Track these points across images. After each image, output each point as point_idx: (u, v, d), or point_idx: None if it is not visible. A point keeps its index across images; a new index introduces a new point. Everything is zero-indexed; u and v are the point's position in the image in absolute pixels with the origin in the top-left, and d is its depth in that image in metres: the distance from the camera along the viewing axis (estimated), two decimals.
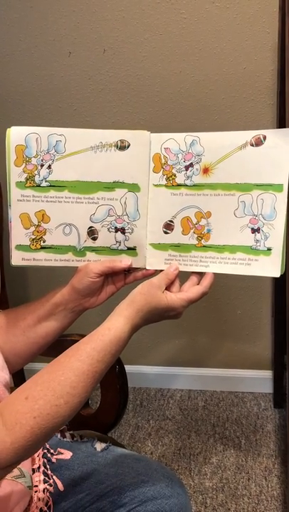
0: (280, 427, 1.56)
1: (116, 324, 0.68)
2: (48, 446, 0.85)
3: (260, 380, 1.70)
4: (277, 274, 0.74)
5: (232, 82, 1.43)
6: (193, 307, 1.79)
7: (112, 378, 0.98)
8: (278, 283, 1.53)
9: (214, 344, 1.70)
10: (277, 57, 1.37)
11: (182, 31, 1.41)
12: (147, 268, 0.80)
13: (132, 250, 0.80)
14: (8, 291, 1.17)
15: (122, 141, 0.78)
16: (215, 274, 0.78)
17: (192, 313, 1.66)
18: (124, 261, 0.79)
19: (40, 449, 0.84)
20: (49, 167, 0.77)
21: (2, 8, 1.45)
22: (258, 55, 1.40)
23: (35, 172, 0.77)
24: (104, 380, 0.98)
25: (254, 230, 0.75)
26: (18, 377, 1.19)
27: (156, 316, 0.73)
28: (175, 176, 0.78)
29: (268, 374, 1.69)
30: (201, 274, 0.78)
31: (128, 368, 1.01)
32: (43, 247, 0.79)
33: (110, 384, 0.98)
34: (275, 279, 1.55)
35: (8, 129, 0.76)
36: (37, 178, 0.77)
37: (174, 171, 0.78)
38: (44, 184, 0.77)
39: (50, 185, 0.77)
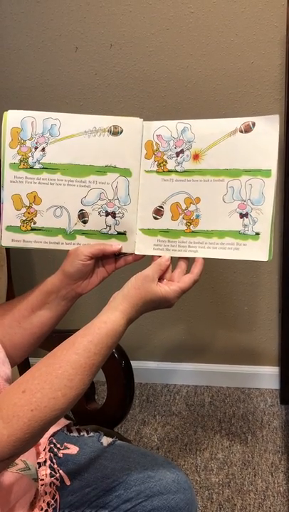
0: (287, 423, 1.56)
1: (112, 318, 0.69)
2: (54, 440, 0.86)
3: (266, 376, 1.70)
4: (265, 259, 0.75)
5: (239, 76, 1.42)
6: (200, 303, 1.78)
7: (118, 374, 0.98)
8: (285, 279, 1.53)
9: (221, 340, 1.69)
10: (285, 52, 1.36)
11: (189, 26, 1.40)
12: (136, 253, 0.80)
13: (121, 235, 0.80)
14: (15, 289, 1.18)
15: (115, 126, 0.79)
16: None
17: (198, 310, 1.66)
18: (114, 245, 0.79)
19: (47, 444, 0.85)
20: (43, 150, 0.79)
21: (8, 3, 1.45)
22: (265, 49, 1.39)
23: (29, 154, 0.79)
24: (111, 375, 0.99)
25: (242, 215, 0.76)
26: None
27: (150, 308, 0.74)
28: (166, 162, 0.79)
29: (274, 370, 1.69)
30: (188, 259, 0.79)
31: (134, 363, 1.01)
32: (33, 229, 0.80)
33: (116, 379, 0.98)
34: (282, 275, 1.55)
35: (5, 113, 0.78)
36: (30, 160, 0.79)
37: (165, 157, 0.79)
38: (37, 166, 0.79)
39: (43, 168, 0.79)
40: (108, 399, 1.01)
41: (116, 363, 0.98)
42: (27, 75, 1.51)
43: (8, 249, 1.10)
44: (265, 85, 1.42)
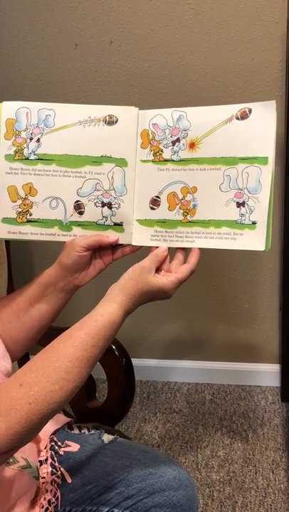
0: (288, 421, 1.56)
1: (109, 310, 0.68)
2: (55, 438, 0.85)
3: (267, 373, 1.69)
4: (262, 248, 0.73)
5: (240, 73, 1.42)
6: (201, 301, 1.77)
7: (118, 372, 0.98)
8: (286, 277, 1.53)
9: (221, 337, 1.69)
10: (285, 48, 1.36)
11: (189, 22, 1.40)
12: (133, 244, 0.79)
13: (118, 226, 0.80)
14: (15, 287, 1.18)
15: (110, 116, 0.79)
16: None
17: (199, 307, 1.65)
18: (111, 236, 0.79)
19: (48, 442, 0.85)
20: (38, 141, 0.78)
21: (8, 0, 1.45)
22: (266, 45, 1.39)
23: (24, 145, 0.78)
24: (112, 373, 0.99)
25: (239, 204, 0.75)
26: None
27: (147, 299, 0.73)
28: (162, 151, 0.78)
29: (275, 368, 1.69)
30: (185, 250, 0.78)
31: (135, 361, 1.01)
32: (29, 221, 0.79)
33: (117, 377, 0.98)
34: (282, 272, 1.54)
35: None
36: (26, 152, 0.78)
37: (160, 146, 0.78)
38: (32, 157, 0.78)
39: (38, 159, 0.78)
40: (109, 396, 1.00)
41: (117, 361, 0.97)
42: (26, 72, 1.50)
43: (8, 247, 1.09)
44: (266, 82, 1.41)
